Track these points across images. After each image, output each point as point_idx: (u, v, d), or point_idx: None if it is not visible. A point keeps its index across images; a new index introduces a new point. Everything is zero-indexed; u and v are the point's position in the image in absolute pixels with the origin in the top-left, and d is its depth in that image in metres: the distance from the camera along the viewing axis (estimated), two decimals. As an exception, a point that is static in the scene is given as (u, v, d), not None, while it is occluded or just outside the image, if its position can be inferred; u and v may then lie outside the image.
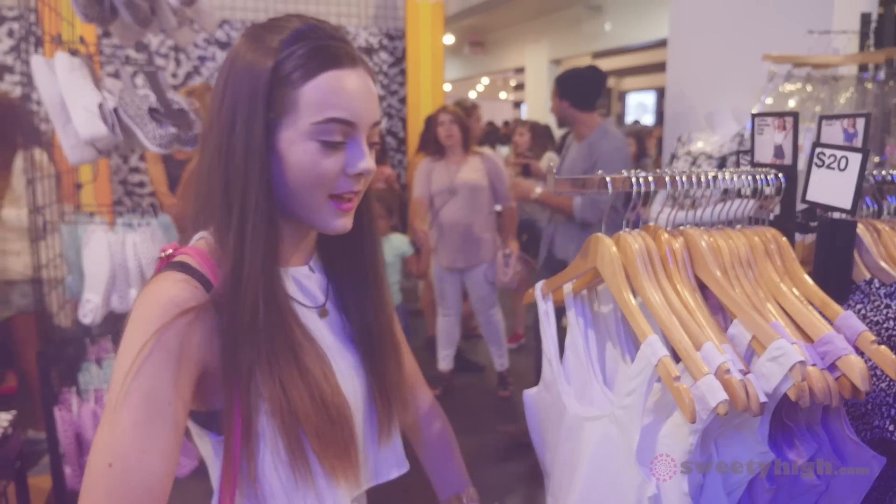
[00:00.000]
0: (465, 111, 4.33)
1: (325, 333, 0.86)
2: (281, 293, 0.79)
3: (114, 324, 2.24)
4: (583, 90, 3.07)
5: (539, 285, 1.10)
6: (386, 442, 0.91)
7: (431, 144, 3.68)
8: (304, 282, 0.86)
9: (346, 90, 0.75)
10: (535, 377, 1.10)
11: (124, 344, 0.71)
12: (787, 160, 1.06)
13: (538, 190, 3.20)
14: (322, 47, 0.75)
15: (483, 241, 3.64)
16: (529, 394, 1.13)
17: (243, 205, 0.75)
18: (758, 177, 1.03)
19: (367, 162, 0.78)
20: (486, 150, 3.91)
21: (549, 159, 4.40)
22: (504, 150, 7.84)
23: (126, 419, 0.67)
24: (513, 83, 15.84)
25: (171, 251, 0.81)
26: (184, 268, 0.76)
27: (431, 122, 3.70)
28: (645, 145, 5.81)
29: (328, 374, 0.80)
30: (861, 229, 1.01)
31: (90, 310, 2.09)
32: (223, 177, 0.76)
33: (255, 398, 0.75)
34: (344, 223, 0.80)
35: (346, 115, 0.75)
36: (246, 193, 0.75)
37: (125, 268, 2.10)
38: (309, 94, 0.74)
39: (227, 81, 0.77)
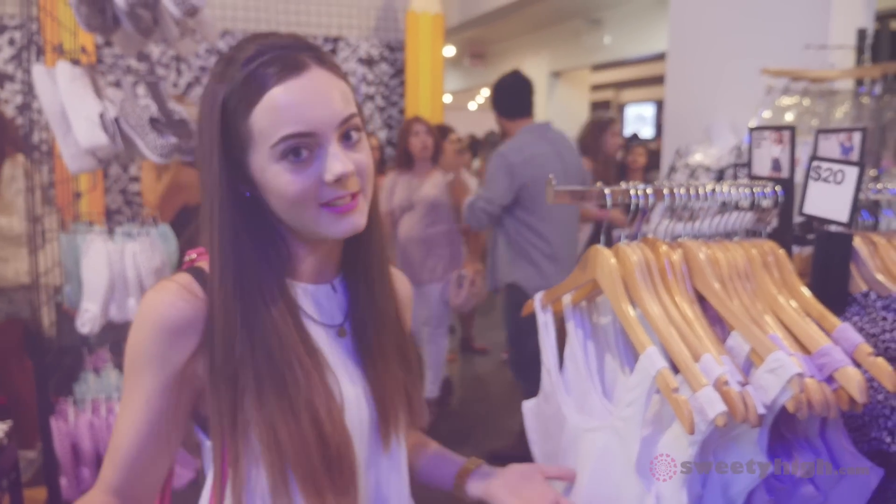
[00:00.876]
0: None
1: (340, 354, 0.84)
2: (274, 326, 0.77)
3: (112, 333, 2.23)
4: (504, 98, 2.98)
5: (538, 296, 1.10)
6: (391, 476, 0.88)
7: (402, 156, 3.51)
8: (323, 300, 0.85)
9: (291, 104, 0.73)
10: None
11: (128, 347, 0.79)
12: (785, 173, 1.07)
13: (468, 199, 3.15)
14: (257, 71, 0.73)
15: (441, 257, 3.49)
16: (529, 405, 1.13)
17: (216, 241, 0.77)
18: (755, 189, 1.03)
19: (342, 165, 0.74)
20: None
21: None
22: (476, 163, 7.80)
23: (121, 414, 0.79)
24: (512, 95, 15.82)
25: (195, 256, 0.84)
26: (198, 273, 0.80)
27: (404, 133, 3.52)
28: (653, 157, 5.78)
29: (333, 409, 0.78)
30: (857, 242, 1.02)
31: (88, 319, 2.08)
32: (207, 209, 0.79)
33: (244, 430, 0.75)
34: (348, 225, 0.77)
35: (299, 128, 0.73)
36: (212, 229, 0.77)
37: (124, 277, 2.10)
38: (257, 120, 0.74)
39: (199, 122, 0.79)
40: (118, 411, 0.80)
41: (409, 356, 0.91)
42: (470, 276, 3.47)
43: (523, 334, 2.99)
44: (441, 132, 4.31)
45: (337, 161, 0.74)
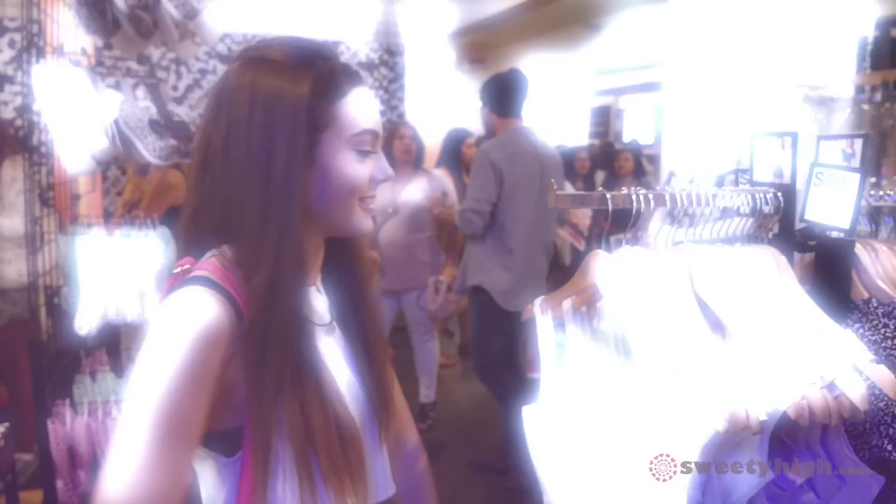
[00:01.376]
0: None
1: (331, 352, 0.86)
2: (306, 314, 0.80)
3: (109, 336, 2.22)
4: (500, 94, 2.90)
5: (538, 301, 1.10)
6: (380, 463, 0.91)
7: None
8: (313, 301, 0.86)
9: (369, 104, 0.84)
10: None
11: (148, 357, 0.72)
12: (786, 179, 1.07)
13: (436, 211, 3.12)
14: (342, 66, 0.83)
15: (422, 264, 3.39)
16: (528, 410, 1.12)
17: (283, 225, 0.77)
18: (757, 195, 1.03)
19: (389, 170, 0.86)
20: (438, 170, 3.66)
21: None
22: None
23: (149, 440, 0.69)
24: (511, 100, 15.81)
25: (187, 266, 0.80)
26: (209, 283, 0.75)
27: (390, 136, 3.38)
28: (641, 162, 5.76)
29: (341, 396, 0.81)
30: (859, 249, 1.01)
31: (87, 321, 2.08)
32: (262, 199, 0.77)
33: (275, 419, 0.76)
34: (369, 223, 0.86)
35: (375, 126, 0.83)
36: (286, 214, 0.78)
37: (122, 279, 2.09)
38: (344, 108, 0.81)
39: (252, 108, 0.78)
40: (131, 453, 0.69)
41: (389, 354, 0.97)
42: (447, 281, 3.37)
43: (486, 338, 2.92)
44: (459, 135, 4.26)
45: (387, 165, 0.86)
